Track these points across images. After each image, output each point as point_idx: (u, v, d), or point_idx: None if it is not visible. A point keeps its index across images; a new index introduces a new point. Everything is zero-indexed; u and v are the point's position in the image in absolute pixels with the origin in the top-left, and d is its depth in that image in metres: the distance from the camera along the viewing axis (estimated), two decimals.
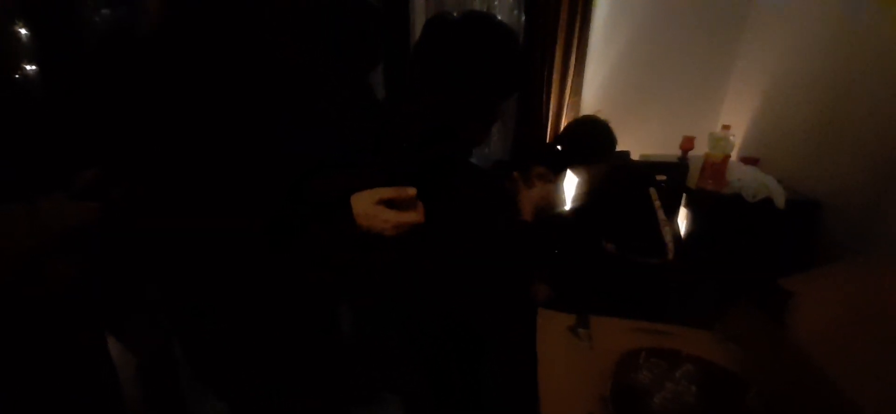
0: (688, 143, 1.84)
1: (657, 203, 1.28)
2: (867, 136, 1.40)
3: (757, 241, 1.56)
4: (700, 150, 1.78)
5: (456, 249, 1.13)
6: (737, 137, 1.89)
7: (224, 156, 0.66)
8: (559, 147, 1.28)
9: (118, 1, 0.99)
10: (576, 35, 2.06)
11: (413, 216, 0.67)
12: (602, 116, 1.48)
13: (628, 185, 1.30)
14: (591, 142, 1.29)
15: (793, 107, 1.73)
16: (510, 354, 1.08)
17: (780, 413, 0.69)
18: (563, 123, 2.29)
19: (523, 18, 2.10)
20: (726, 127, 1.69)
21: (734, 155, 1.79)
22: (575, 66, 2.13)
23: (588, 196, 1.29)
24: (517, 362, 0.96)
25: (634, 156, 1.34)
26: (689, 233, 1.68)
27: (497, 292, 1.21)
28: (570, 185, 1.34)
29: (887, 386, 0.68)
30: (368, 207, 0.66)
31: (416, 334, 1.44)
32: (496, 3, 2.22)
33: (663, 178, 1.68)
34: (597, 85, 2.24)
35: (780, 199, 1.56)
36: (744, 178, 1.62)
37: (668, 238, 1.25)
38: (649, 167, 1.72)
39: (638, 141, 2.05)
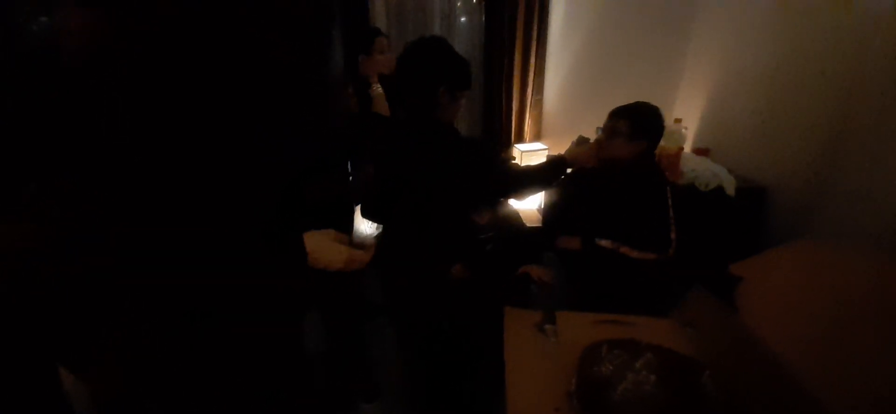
0: None
1: (670, 202, 1.32)
2: (806, 124, 1.51)
3: (711, 227, 1.64)
4: None
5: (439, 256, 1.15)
6: (689, 130, 1.99)
7: (213, 162, 0.64)
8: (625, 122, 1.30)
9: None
10: (534, 34, 2.11)
11: (363, 255, 0.75)
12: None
13: (651, 182, 1.33)
14: (656, 121, 1.32)
15: (739, 99, 1.83)
16: (498, 357, 1.09)
17: (733, 391, 0.72)
18: (527, 121, 2.34)
19: (483, 19, 2.12)
20: (678, 120, 1.77)
21: (687, 147, 1.88)
22: (535, 64, 2.18)
23: (609, 189, 1.32)
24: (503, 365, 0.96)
25: None
26: None
27: (483, 296, 1.21)
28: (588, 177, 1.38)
29: (826, 357, 0.72)
30: (321, 242, 0.71)
31: (397, 341, 1.42)
32: (459, 3, 2.23)
33: None
34: (558, 84, 2.29)
35: (730, 188, 1.64)
36: (697, 168, 1.69)
37: (673, 235, 1.29)
38: None
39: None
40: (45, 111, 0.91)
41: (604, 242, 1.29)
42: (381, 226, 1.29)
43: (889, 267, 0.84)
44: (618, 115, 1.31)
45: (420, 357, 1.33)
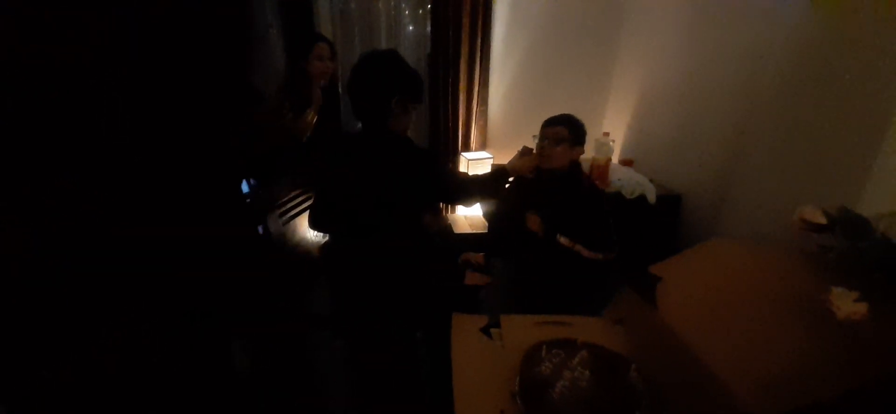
0: None
1: (609, 209, 1.42)
2: (713, 137, 1.72)
3: (636, 231, 1.81)
4: (587, 154, 2.00)
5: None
6: (616, 143, 2.17)
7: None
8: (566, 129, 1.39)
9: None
10: (478, 46, 2.19)
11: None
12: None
13: (589, 190, 1.44)
14: (584, 129, 1.43)
15: (658, 114, 2.04)
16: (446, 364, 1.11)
17: (655, 382, 0.81)
18: (473, 131, 2.41)
19: (429, 30, 2.16)
20: (606, 134, 1.93)
21: (614, 158, 2.05)
22: (480, 75, 2.26)
23: (554, 196, 1.39)
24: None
25: None
26: None
27: (432, 296, 1.22)
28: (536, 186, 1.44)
29: (730, 342, 0.83)
30: None
31: (346, 355, 1.38)
32: (407, 12, 2.24)
33: None
34: (501, 95, 2.39)
35: (651, 196, 1.82)
36: (623, 178, 1.86)
37: (615, 238, 1.38)
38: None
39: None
40: (44, 111, 0.80)
41: (562, 240, 1.36)
42: (330, 235, 1.26)
43: (783, 260, 0.98)
44: (557, 123, 1.40)
45: (370, 369, 1.31)
